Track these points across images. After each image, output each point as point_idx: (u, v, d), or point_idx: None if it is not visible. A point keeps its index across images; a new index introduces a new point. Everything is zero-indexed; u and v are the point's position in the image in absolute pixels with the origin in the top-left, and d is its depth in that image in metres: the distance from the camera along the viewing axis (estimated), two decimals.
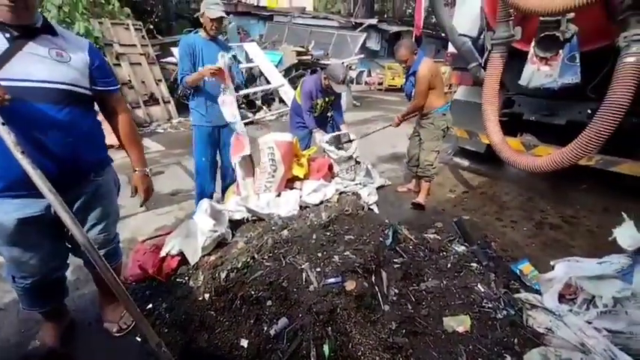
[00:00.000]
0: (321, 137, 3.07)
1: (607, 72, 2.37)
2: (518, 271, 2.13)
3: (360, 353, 1.32)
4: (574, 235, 2.76)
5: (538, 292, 1.91)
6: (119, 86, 1.46)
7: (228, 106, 2.34)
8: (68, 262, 1.53)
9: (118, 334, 1.68)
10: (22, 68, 1.11)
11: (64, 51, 1.20)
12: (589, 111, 2.91)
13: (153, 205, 3.14)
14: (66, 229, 1.41)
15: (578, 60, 2.33)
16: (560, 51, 2.36)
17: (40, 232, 1.29)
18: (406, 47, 2.81)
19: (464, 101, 3.93)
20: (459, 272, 1.86)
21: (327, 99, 3.13)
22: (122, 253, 1.77)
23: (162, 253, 2.05)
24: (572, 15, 2.12)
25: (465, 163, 4.40)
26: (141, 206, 1.61)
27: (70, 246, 1.47)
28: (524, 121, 3.46)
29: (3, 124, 0.98)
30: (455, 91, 4.28)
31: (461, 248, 2.11)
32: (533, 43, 2.43)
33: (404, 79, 3.24)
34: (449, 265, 1.90)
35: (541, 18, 2.20)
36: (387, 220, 2.08)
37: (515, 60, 2.64)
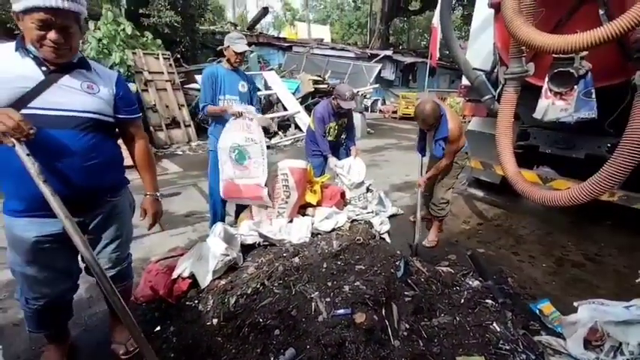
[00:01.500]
0: (334, 162, 3.12)
1: (625, 107, 2.36)
2: (537, 311, 2.03)
3: None
4: (599, 274, 2.62)
5: (560, 335, 1.80)
6: (140, 115, 1.55)
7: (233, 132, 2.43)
8: (79, 282, 1.57)
9: (125, 357, 1.67)
10: (55, 98, 1.20)
11: (95, 84, 1.31)
12: (608, 145, 2.86)
13: (167, 226, 3.21)
14: None
15: (593, 95, 2.33)
16: (575, 86, 2.38)
17: (56, 251, 1.34)
18: (434, 115, 2.51)
19: (478, 132, 3.94)
20: (473, 308, 1.79)
21: (339, 122, 3.21)
22: (133, 273, 1.80)
23: (174, 275, 2.07)
24: (585, 52, 2.15)
25: (480, 193, 4.33)
26: (149, 229, 1.63)
27: (84, 264, 1.51)
28: (541, 154, 3.42)
29: (28, 154, 1.06)
30: (468, 122, 4.30)
31: (475, 283, 2.04)
32: (546, 79, 2.46)
33: (420, 140, 3.05)
34: (462, 301, 1.84)
35: (554, 55, 2.25)
36: (398, 252, 2.05)
37: (529, 93, 2.67)
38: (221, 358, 1.54)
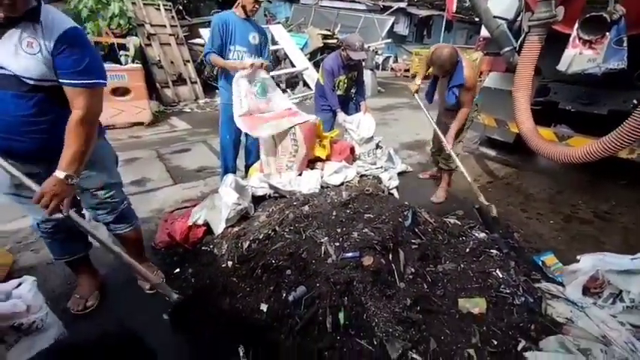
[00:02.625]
0: (343, 117, 3.07)
1: None
2: (540, 263, 2.08)
3: (374, 324, 1.37)
4: (606, 230, 2.64)
5: (560, 284, 1.86)
6: (90, 82, 1.23)
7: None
8: (84, 212, 1.63)
9: (150, 292, 1.82)
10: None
11: (36, 39, 1.13)
12: (635, 101, 2.72)
13: (180, 180, 3.30)
14: None
15: (625, 44, 2.18)
16: (607, 34, 2.21)
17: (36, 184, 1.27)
18: (451, 60, 2.39)
19: (494, 89, 3.77)
20: (477, 257, 1.84)
21: (349, 75, 3.10)
22: (137, 216, 1.83)
23: (189, 223, 2.17)
24: None
25: (492, 153, 4.25)
26: (49, 214, 1.25)
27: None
28: (560, 112, 3.28)
29: None
30: (484, 80, 4.08)
31: (481, 235, 2.08)
32: (576, 25, 2.28)
33: (430, 85, 2.93)
34: (467, 250, 1.89)
35: None
36: (406, 202, 2.08)
37: (553, 44, 2.50)
38: (236, 295, 1.66)
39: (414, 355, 1.32)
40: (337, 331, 1.36)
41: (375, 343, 1.33)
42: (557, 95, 3.23)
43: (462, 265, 1.78)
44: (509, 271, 1.78)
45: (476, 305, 1.55)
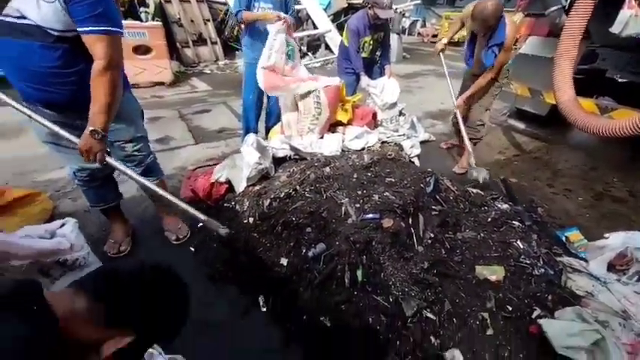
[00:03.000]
0: (367, 81, 2.95)
1: None
2: (564, 238, 2.03)
3: (390, 282, 1.40)
4: None
5: (583, 259, 1.82)
6: (103, 28, 1.18)
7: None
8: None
9: (176, 242, 1.92)
10: (18, 4, 1.09)
11: None
12: None
13: (201, 139, 3.35)
14: None
15: None
16: None
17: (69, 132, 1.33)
18: (496, 15, 2.16)
19: (532, 56, 3.47)
20: (498, 227, 1.82)
21: (375, 36, 2.94)
22: (162, 171, 1.88)
23: (212, 180, 2.22)
24: None
25: (521, 126, 4.03)
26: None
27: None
28: (606, 82, 3.02)
29: None
30: (520, 47, 3.73)
31: (504, 206, 2.03)
32: None
33: (467, 46, 2.69)
34: (489, 220, 1.86)
35: None
36: (429, 169, 2.03)
37: (606, 3, 2.24)
38: (257, 250, 1.73)
39: (428, 314, 1.36)
40: (354, 287, 1.40)
41: (391, 300, 1.37)
42: (606, 62, 2.96)
43: (481, 234, 1.76)
44: (531, 243, 1.75)
45: (493, 273, 1.55)
